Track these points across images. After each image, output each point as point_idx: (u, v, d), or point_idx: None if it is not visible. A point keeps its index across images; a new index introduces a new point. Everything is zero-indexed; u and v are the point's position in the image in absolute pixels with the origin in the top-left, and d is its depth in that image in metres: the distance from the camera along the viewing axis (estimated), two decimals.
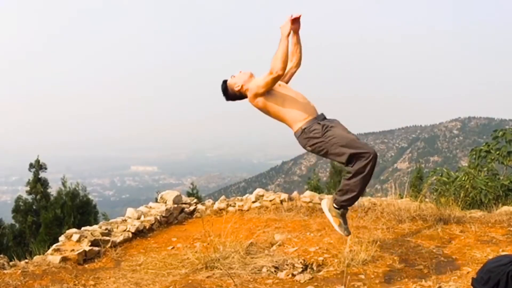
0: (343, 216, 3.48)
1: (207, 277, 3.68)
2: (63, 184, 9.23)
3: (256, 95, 3.48)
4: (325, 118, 3.47)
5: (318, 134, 3.33)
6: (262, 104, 3.49)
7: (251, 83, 3.53)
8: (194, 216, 6.17)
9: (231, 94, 3.66)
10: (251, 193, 6.48)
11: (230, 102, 3.72)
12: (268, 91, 3.44)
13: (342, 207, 3.44)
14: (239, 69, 3.66)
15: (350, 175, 3.27)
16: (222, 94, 3.69)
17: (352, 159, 3.24)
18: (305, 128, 3.38)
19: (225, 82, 3.67)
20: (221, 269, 3.73)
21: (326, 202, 3.56)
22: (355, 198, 3.37)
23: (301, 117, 3.41)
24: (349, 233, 3.54)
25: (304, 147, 3.49)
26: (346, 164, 3.30)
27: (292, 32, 3.54)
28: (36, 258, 4.21)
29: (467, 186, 6.53)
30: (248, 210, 6.05)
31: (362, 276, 3.59)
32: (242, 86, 3.57)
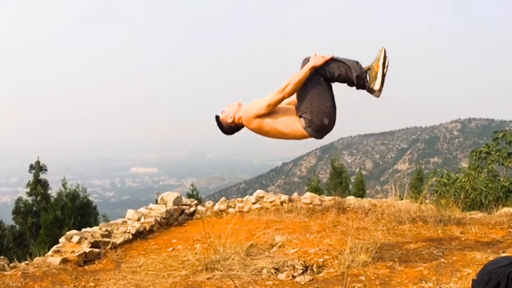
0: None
1: (207, 278, 3.68)
2: (63, 185, 9.23)
3: (256, 117, 3.52)
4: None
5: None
6: (257, 124, 3.56)
7: (240, 111, 3.62)
8: (194, 217, 6.18)
9: (226, 127, 3.71)
10: (251, 194, 6.48)
11: (230, 135, 3.81)
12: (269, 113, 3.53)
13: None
14: (227, 103, 3.76)
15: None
16: (219, 130, 3.76)
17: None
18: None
19: (217, 118, 3.72)
20: (221, 271, 3.73)
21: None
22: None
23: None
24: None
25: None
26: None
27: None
28: (37, 259, 4.21)
29: (467, 188, 6.53)
30: (248, 211, 6.05)
31: (363, 278, 3.59)
32: (234, 117, 3.63)
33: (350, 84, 3.48)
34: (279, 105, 3.53)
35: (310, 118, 3.41)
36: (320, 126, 3.44)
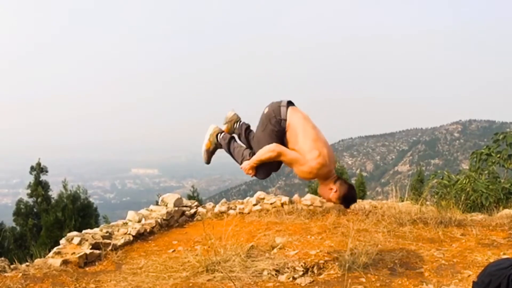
0: (216, 148, 3.72)
1: (208, 280, 3.68)
2: (64, 187, 9.24)
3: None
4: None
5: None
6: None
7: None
8: (195, 219, 6.18)
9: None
10: (252, 196, 6.48)
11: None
12: None
13: (220, 144, 3.69)
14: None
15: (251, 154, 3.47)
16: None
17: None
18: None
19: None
20: (222, 272, 3.73)
21: (214, 126, 3.74)
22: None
23: None
24: (208, 162, 3.79)
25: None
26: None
27: None
28: (37, 261, 4.21)
29: (468, 189, 6.53)
30: (249, 213, 6.05)
31: (363, 280, 3.59)
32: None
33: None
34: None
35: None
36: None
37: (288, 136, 3.24)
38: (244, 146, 3.63)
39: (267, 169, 3.38)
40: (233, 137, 3.68)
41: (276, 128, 3.25)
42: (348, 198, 3.25)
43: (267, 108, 3.33)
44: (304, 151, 3.15)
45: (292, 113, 3.27)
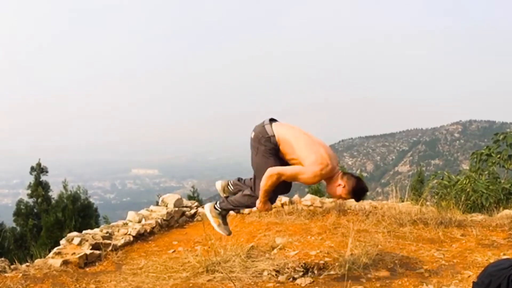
0: (223, 217, 3.72)
1: (208, 280, 3.68)
2: (64, 187, 9.23)
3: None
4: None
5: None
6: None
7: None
8: (195, 219, 6.18)
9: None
10: None
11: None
12: None
13: (223, 210, 3.70)
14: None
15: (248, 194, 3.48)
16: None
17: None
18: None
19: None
20: (222, 273, 3.73)
21: (208, 205, 3.76)
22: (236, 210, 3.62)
23: None
24: (229, 233, 3.77)
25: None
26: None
27: None
28: (37, 261, 4.22)
29: (468, 190, 6.52)
30: (249, 213, 6.05)
31: (363, 280, 3.59)
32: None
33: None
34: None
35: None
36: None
37: (282, 148, 3.23)
38: (239, 189, 3.67)
39: (274, 193, 3.35)
40: (227, 196, 3.73)
41: (269, 146, 3.24)
42: (358, 191, 3.22)
43: (253, 133, 3.33)
44: (302, 159, 3.14)
45: (278, 127, 3.27)
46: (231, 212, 6.16)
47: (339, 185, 3.21)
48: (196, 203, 6.61)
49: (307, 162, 3.12)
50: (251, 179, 3.53)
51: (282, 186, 3.31)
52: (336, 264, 3.89)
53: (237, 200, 3.57)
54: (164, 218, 5.73)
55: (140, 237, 5.19)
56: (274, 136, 3.23)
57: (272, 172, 3.13)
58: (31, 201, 9.84)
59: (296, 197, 6.47)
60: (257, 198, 3.32)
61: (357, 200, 3.35)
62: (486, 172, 7.17)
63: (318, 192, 10.30)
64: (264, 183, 3.16)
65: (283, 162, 3.24)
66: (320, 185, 12.18)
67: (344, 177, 3.22)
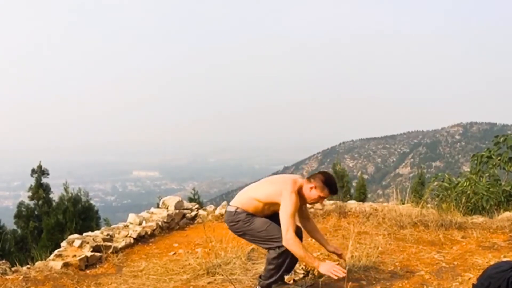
0: (282, 283, 3.39)
1: (209, 283, 3.69)
2: (65, 189, 9.23)
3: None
4: None
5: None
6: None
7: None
8: (195, 221, 6.18)
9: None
10: None
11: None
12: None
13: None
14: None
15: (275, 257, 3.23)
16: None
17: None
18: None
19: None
20: (222, 275, 3.73)
21: None
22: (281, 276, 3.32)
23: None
24: None
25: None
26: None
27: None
28: (38, 263, 4.22)
29: (468, 192, 6.53)
30: None
31: (364, 282, 3.59)
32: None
33: None
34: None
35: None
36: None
37: (263, 205, 3.24)
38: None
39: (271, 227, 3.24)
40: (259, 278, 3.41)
41: (242, 217, 3.25)
42: (328, 182, 3.23)
43: (226, 224, 3.37)
44: (273, 196, 3.19)
45: (235, 199, 3.35)
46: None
47: (311, 188, 3.23)
48: (197, 205, 6.62)
49: (279, 195, 3.15)
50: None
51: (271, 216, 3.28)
52: None
53: (270, 268, 3.26)
54: (165, 220, 5.73)
55: (141, 239, 5.19)
56: (237, 207, 3.28)
57: (288, 240, 3.04)
58: (32, 203, 9.84)
59: None
60: (280, 243, 3.13)
61: (334, 192, 3.32)
62: (487, 174, 7.17)
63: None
64: (296, 251, 3.06)
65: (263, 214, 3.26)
66: None
67: (310, 179, 3.26)
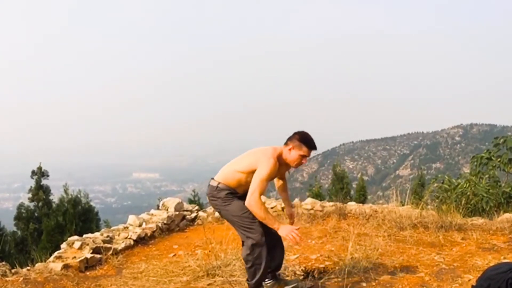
0: (277, 281, 3.40)
1: (208, 284, 3.69)
2: (65, 191, 9.24)
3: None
4: None
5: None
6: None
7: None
8: (195, 223, 6.19)
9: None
10: None
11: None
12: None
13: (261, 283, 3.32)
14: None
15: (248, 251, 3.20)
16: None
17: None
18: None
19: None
20: (222, 277, 3.74)
21: None
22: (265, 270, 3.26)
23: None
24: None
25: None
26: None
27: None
28: (38, 265, 4.22)
29: (468, 193, 6.53)
30: None
31: (364, 284, 3.59)
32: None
33: None
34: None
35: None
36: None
37: (246, 176, 3.20)
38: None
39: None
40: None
41: (222, 194, 3.22)
42: (304, 139, 3.23)
43: (207, 197, 3.35)
44: (251, 166, 3.17)
45: (218, 174, 3.33)
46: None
47: (289, 150, 3.24)
48: (197, 207, 6.62)
49: (256, 165, 3.14)
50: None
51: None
52: (337, 268, 3.89)
53: (249, 267, 3.22)
54: (165, 222, 5.73)
55: (141, 241, 5.19)
56: (219, 182, 3.25)
57: (250, 201, 3.04)
58: (32, 205, 9.85)
59: (296, 201, 6.47)
60: (256, 235, 3.13)
61: (313, 147, 3.26)
62: (487, 176, 7.16)
63: (318, 196, 10.31)
64: (257, 212, 3.04)
65: (243, 199, 3.19)
66: (321, 189, 12.19)
67: (287, 141, 3.26)
